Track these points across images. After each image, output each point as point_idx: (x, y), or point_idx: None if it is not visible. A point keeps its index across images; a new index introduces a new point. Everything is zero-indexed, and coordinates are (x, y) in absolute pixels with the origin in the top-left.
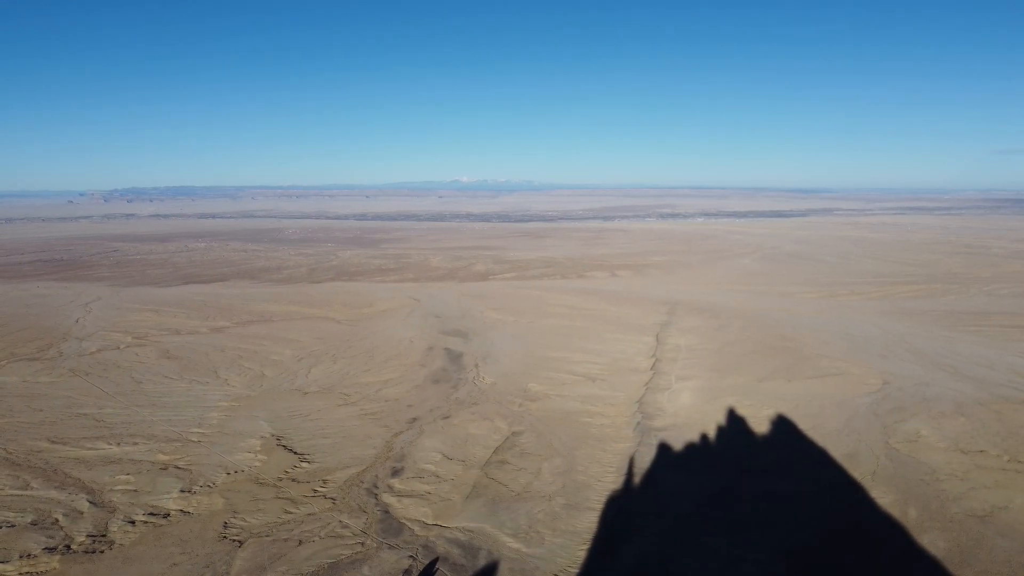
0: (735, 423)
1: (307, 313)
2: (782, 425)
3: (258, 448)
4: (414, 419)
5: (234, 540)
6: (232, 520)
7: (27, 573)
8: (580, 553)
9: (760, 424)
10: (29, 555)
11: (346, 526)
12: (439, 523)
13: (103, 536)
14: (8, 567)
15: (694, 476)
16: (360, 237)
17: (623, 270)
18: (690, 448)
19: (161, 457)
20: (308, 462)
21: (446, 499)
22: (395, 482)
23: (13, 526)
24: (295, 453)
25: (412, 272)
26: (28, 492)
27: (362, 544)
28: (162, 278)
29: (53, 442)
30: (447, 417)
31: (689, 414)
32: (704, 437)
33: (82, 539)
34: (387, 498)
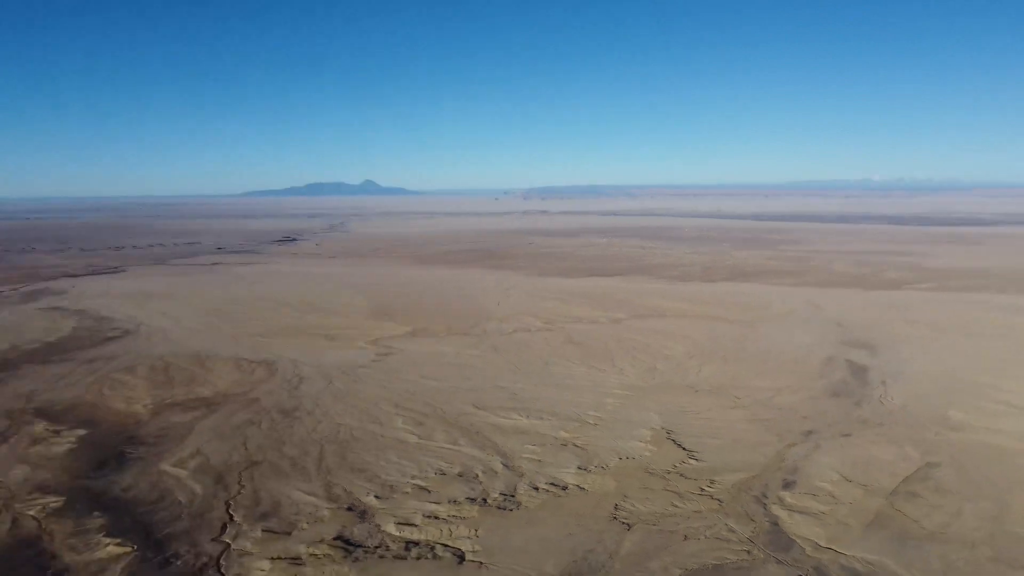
0: None
1: (699, 311)
2: None
3: (648, 438)
4: (809, 432)
5: (623, 522)
6: (622, 503)
7: (453, 516)
8: None
9: None
10: (455, 501)
11: (732, 530)
12: (833, 547)
13: (512, 496)
14: (439, 508)
15: None
16: (756, 238)
17: None
18: None
19: (563, 434)
20: (696, 460)
21: (843, 523)
22: (786, 495)
23: (445, 475)
24: (684, 449)
25: (812, 276)
26: (457, 448)
27: (748, 552)
28: (569, 270)
29: (477, 408)
30: (847, 435)
31: None
32: None
33: (496, 496)
34: (777, 510)
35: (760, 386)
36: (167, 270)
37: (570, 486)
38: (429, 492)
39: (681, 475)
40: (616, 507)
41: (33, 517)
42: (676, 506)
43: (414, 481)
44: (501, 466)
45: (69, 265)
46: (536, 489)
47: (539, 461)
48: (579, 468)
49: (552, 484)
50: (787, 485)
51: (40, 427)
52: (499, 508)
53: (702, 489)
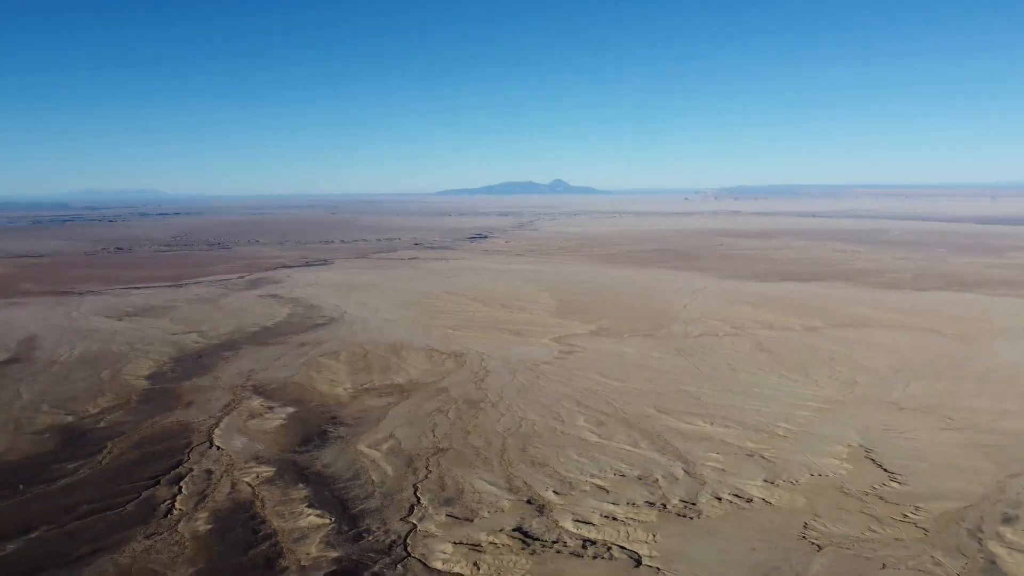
0: None
1: (908, 322)
2: None
3: (844, 456)
4: None
5: (813, 543)
6: (812, 522)
7: (631, 518)
8: None
9: None
10: (633, 503)
11: (939, 563)
12: None
13: (693, 504)
14: (617, 509)
15: None
16: (979, 243)
17: None
18: None
19: (749, 444)
20: (899, 483)
21: None
22: (1006, 531)
23: (624, 476)
24: (885, 470)
25: None
26: (637, 450)
27: None
28: (761, 273)
29: (658, 410)
30: None
31: None
32: None
33: (676, 502)
34: (995, 547)
35: (978, 408)
36: (369, 263)
37: (755, 499)
38: (607, 492)
39: (880, 498)
40: (805, 525)
41: (248, 484)
42: (873, 531)
43: (593, 480)
44: (682, 472)
45: (286, 257)
46: (719, 499)
47: (723, 470)
48: (766, 481)
49: (736, 495)
50: (1007, 520)
51: (257, 403)
52: (679, 515)
53: (905, 515)
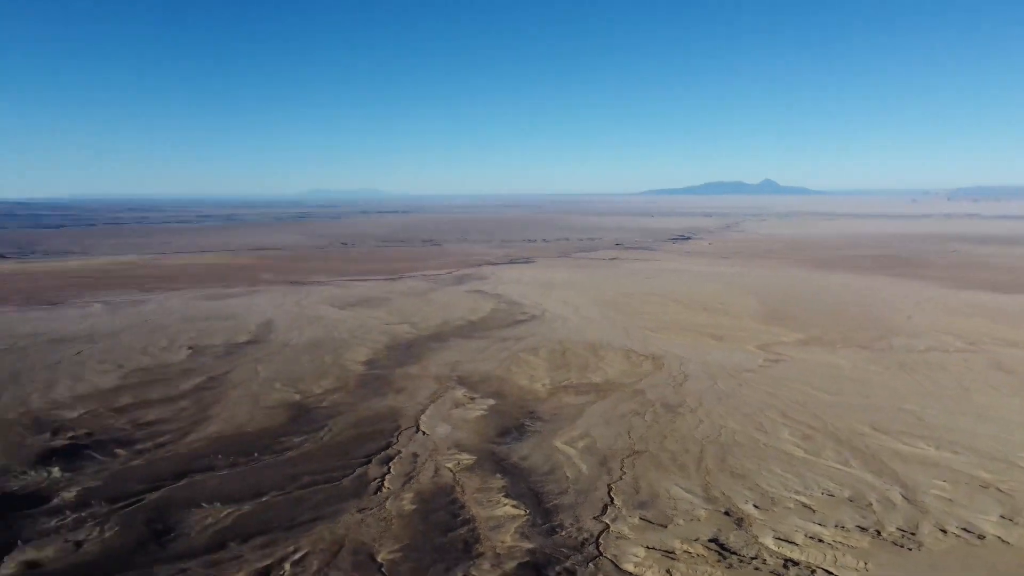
0: None
1: None
2: None
3: None
4: None
5: None
6: None
7: (839, 542)
8: None
9: None
10: (842, 526)
11: None
12: None
13: (912, 534)
14: (824, 531)
15: None
16: None
17: None
18: None
19: (983, 474)
20: None
21: None
22: None
23: (832, 496)
24: None
25: None
26: (848, 469)
27: None
28: (1003, 284)
29: (874, 429)
30: None
31: None
32: None
33: (892, 529)
34: None
35: None
36: (570, 262)
37: (988, 536)
38: (813, 512)
39: None
40: None
41: (450, 469)
42: None
43: (797, 497)
44: (900, 498)
45: (491, 254)
46: (944, 532)
47: (949, 500)
48: (1002, 517)
49: (965, 529)
50: None
51: (460, 393)
52: (895, 544)
53: None
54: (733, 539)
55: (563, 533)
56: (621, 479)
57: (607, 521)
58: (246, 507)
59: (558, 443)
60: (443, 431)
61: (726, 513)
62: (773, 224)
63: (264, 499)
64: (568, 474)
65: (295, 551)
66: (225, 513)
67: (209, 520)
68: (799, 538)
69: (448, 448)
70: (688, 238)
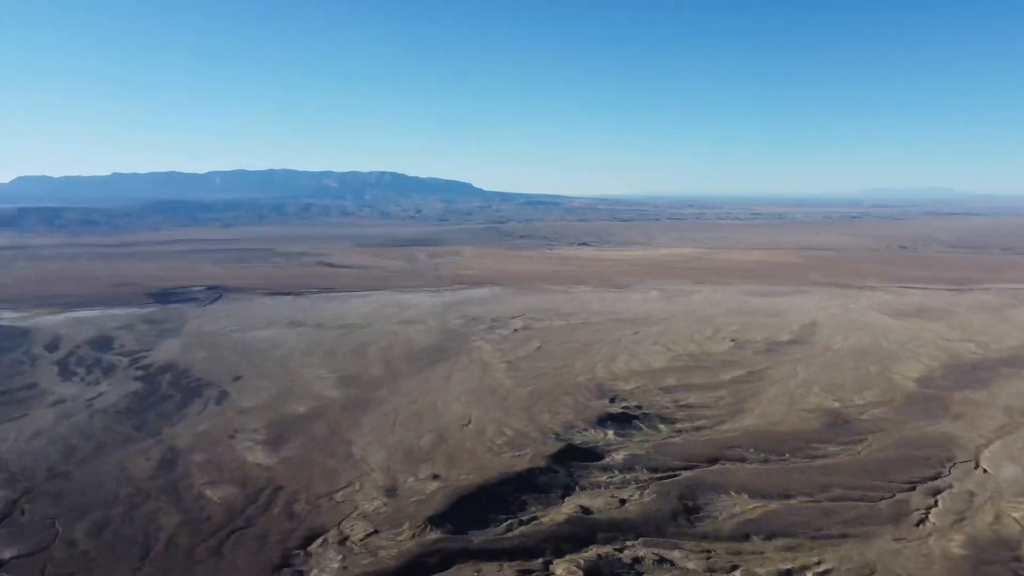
0: None
1: None
2: None
3: None
4: None
5: None
6: None
7: None
8: None
9: None
10: None
11: None
12: None
13: None
14: None
15: None
16: None
17: None
18: None
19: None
20: None
21: None
22: None
23: None
24: None
25: None
26: None
27: None
28: None
29: None
30: None
31: None
32: None
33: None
34: None
35: None
36: None
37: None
38: None
39: None
40: None
41: (1016, 521)
42: None
43: None
44: None
45: None
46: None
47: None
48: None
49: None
50: None
51: None
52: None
53: None
54: None
55: None
56: None
57: None
58: (773, 505)
59: None
60: (1011, 473)
61: None
62: None
63: (791, 501)
64: None
65: (819, 563)
66: (752, 506)
67: (736, 509)
68: None
69: (1016, 495)
70: None
